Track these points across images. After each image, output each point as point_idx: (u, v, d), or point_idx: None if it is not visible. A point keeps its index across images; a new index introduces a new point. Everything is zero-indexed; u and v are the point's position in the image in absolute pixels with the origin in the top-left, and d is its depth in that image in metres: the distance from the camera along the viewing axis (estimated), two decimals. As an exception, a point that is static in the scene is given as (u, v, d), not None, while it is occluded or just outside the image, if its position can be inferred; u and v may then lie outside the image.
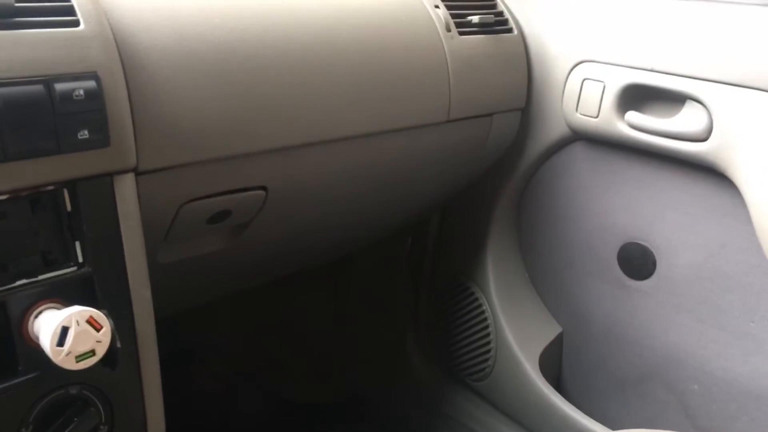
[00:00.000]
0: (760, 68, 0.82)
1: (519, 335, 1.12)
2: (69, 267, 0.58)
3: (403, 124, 0.86)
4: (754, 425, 0.90)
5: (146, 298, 0.62)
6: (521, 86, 1.03)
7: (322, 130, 0.76)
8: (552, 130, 1.04)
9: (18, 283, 0.55)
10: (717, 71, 0.85)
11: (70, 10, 0.56)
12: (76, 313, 0.53)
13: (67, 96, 0.53)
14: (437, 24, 0.90)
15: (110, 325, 0.56)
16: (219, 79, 0.66)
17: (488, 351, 1.16)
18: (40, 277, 0.56)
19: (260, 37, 0.69)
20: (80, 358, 0.54)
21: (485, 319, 1.15)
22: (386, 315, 1.35)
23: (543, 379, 1.09)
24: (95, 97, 0.55)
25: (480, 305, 1.16)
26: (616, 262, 1.03)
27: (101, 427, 0.61)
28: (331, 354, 1.39)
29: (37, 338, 0.55)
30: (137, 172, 0.61)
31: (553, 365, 1.14)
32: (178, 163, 0.64)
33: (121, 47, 0.59)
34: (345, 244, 1.13)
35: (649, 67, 0.91)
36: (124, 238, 0.60)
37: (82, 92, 0.54)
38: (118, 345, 0.57)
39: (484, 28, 0.97)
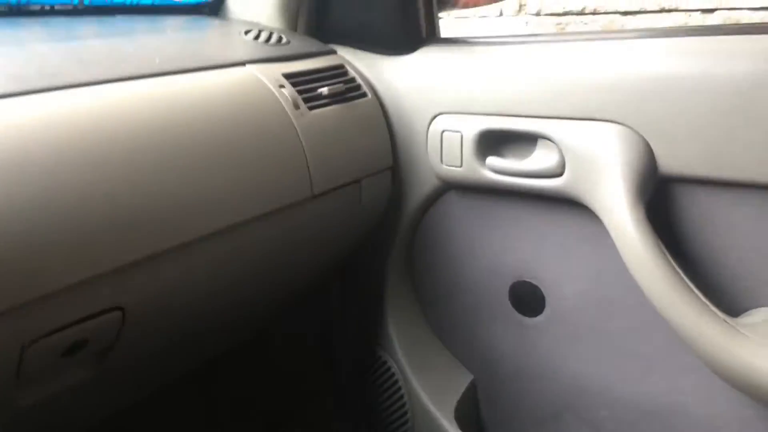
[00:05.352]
0: (590, 99, 0.85)
1: (431, 391, 1.11)
2: None
3: (264, 210, 0.84)
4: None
5: None
6: (385, 146, 1.04)
7: (173, 234, 0.73)
8: (424, 184, 1.05)
9: None
10: (557, 107, 0.88)
11: None
12: None
13: None
14: (284, 103, 0.89)
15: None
16: (42, 205, 0.62)
17: (405, 414, 1.13)
18: None
19: (87, 150, 0.66)
20: None
21: (396, 382, 1.13)
22: (304, 400, 1.31)
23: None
24: None
25: (389, 368, 1.14)
26: (509, 302, 1.03)
27: None
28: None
29: None
30: (-37, 324, 0.57)
31: (471, 414, 1.13)
32: (8, 307, 0.60)
33: None
34: (235, 334, 1.09)
35: (498, 112, 0.93)
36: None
37: None
38: None
39: (335, 98, 0.97)
